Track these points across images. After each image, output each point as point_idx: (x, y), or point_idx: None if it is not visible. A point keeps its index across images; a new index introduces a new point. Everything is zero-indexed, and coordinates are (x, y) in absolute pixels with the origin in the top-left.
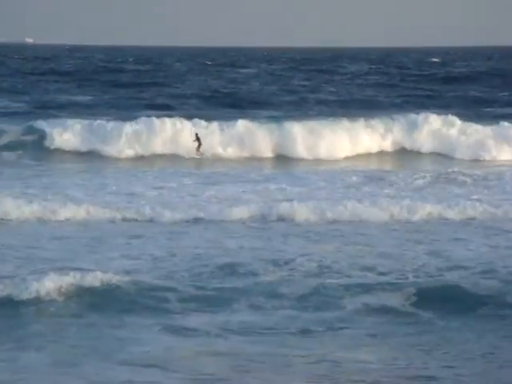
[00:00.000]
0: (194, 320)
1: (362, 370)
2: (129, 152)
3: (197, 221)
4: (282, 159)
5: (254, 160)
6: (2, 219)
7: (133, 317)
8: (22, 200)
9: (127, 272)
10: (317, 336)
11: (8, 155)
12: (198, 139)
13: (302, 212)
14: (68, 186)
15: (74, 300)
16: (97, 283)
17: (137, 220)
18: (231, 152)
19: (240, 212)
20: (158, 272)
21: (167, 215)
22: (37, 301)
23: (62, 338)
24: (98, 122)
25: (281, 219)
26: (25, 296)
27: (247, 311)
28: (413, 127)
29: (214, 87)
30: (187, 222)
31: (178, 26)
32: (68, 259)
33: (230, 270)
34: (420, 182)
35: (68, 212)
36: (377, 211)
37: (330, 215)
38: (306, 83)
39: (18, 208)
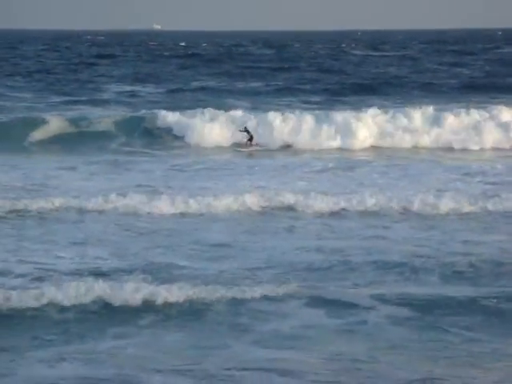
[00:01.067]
0: (347, 292)
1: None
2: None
3: None
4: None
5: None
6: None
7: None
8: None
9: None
10: (471, 319)
11: (140, 144)
12: (247, 131)
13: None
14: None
15: None
16: None
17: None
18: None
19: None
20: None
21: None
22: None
23: (202, 318)
24: (231, 112)
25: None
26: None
27: (406, 285)
28: None
29: (348, 72)
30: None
31: (296, 9)
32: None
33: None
34: None
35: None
36: None
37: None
38: (442, 66)
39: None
